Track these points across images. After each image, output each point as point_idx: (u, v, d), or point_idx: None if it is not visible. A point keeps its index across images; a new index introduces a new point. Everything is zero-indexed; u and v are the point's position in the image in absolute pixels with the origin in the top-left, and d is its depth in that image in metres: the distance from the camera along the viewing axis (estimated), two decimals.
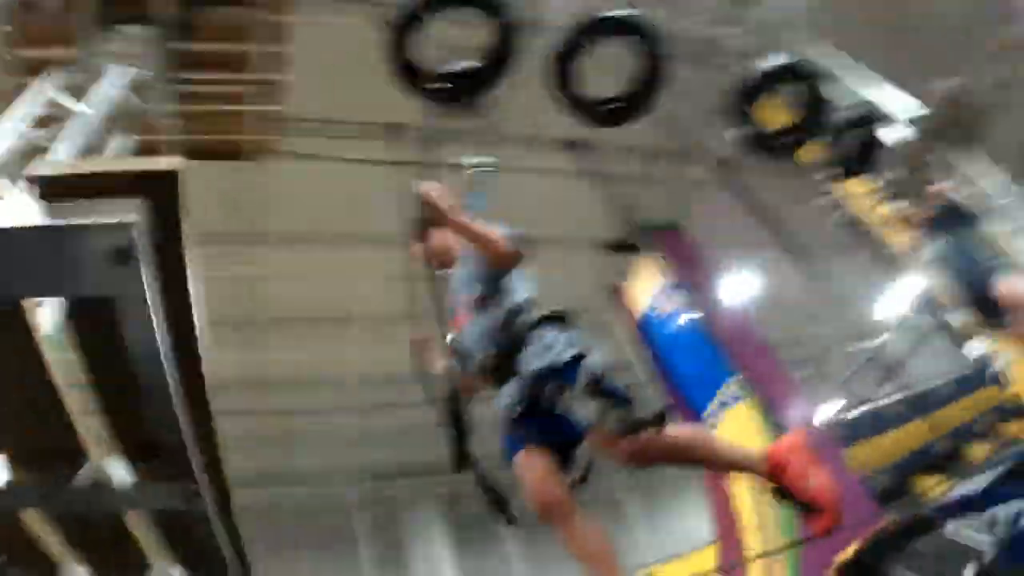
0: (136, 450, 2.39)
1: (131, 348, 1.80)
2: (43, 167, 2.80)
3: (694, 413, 9.30)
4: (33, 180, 2.20)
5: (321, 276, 10.95)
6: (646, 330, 10.39)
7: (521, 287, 3.30)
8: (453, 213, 3.21)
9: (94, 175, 2.17)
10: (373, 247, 10.01)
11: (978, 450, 11.35)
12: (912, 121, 8.06)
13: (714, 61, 8.40)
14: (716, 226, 11.87)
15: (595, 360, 2.96)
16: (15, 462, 2.21)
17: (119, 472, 2.36)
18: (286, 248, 10.30)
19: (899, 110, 8.39)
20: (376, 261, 10.11)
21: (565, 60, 6.27)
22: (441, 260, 3.50)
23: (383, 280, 10.76)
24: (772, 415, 8.51)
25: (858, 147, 7.88)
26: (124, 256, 1.50)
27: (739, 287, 11.69)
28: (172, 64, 4.79)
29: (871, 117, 8.00)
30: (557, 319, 3.17)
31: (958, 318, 7.18)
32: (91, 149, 3.65)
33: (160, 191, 2.13)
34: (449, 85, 6.19)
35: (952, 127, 8.12)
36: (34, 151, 3.63)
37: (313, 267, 10.83)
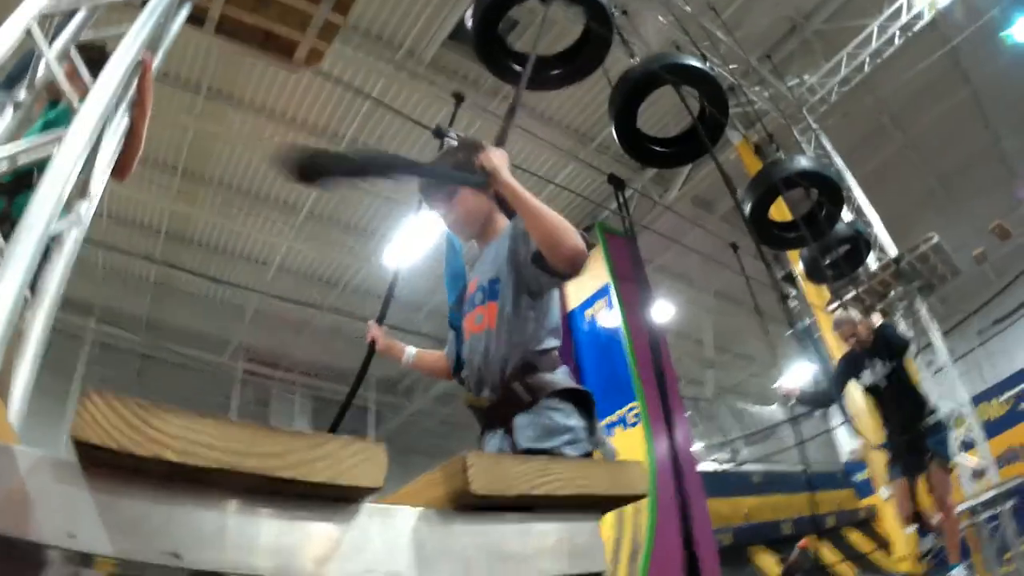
0: None
1: None
2: None
3: None
4: None
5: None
6: (572, 325, 10.48)
7: (556, 314, 2.37)
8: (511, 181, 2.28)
9: None
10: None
11: (820, 545, 12.11)
12: (894, 259, 8.81)
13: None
14: (668, 252, 12.34)
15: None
16: None
17: None
18: (256, 118, 10.08)
19: (885, 242, 9.19)
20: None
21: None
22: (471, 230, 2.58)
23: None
24: (655, 447, 8.72)
25: (841, 259, 8.47)
26: None
27: (665, 314, 12.04)
28: None
29: (860, 239, 8.59)
30: (577, 398, 2.23)
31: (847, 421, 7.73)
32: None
33: None
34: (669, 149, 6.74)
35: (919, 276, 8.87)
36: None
37: (273, 150, 10.57)
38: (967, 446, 9.29)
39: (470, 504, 1.20)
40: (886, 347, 6.07)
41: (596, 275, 10.30)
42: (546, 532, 1.30)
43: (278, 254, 12.39)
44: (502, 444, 2.16)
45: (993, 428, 11.75)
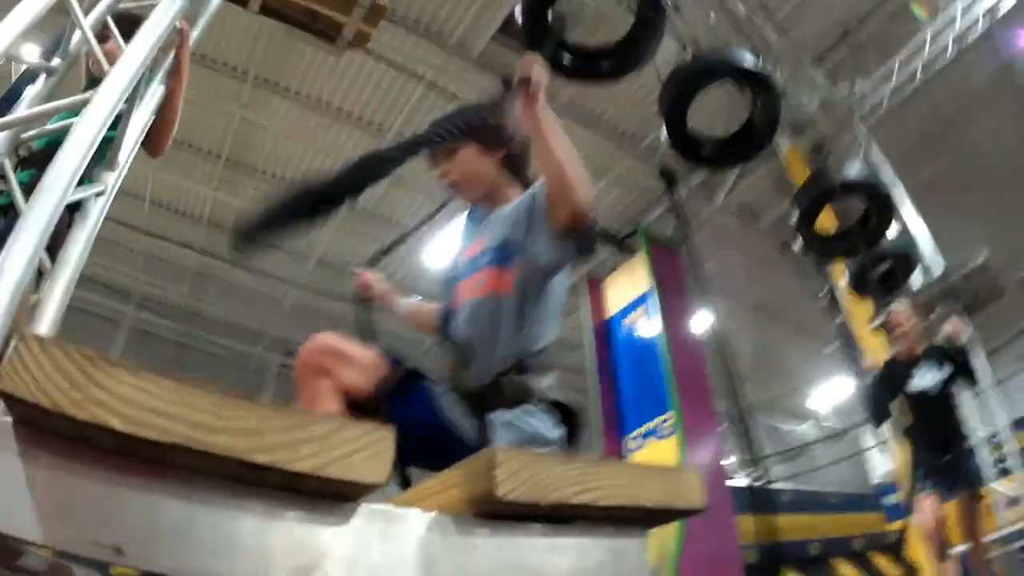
0: None
1: None
2: None
3: (617, 429, 9.46)
4: None
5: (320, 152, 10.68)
6: (609, 332, 10.34)
7: (560, 302, 2.19)
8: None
9: None
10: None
11: (845, 568, 11.79)
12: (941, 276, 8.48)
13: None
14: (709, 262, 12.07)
15: None
16: None
17: None
18: (302, 108, 10.00)
19: (932, 260, 8.84)
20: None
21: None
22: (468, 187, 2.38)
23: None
24: (688, 459, 8.50)
25: (886, 273, 8.18)
26: None
27: (706, 326, 11.80)
28: None
29: (909, 254, 8.29)
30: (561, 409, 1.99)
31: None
32: None
33: None
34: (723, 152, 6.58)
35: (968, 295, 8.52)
36: None
37: (317, 141, 10.55)
38: (1004, 472, 8.92)
39: (494, 512, 0.98)
40: (939, 351, 5.77)
41: (637, 282, 10.15)
42: (586, 550, 1.06)
43: (318, 248, 12.30)
44: None
45: None
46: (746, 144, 6.43)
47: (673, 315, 9.70)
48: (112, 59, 3.39)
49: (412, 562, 0.88)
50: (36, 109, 2.58)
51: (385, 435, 0.88)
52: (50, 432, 0.72)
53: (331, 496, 0.85)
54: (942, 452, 5.63)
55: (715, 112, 8.94)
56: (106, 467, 0.73)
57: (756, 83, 6.26)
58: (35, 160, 3.03)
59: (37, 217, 2.17)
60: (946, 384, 5.69)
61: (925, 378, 5.72)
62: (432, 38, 9.19)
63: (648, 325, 9.78)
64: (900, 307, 6.20)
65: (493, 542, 0.97)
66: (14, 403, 0.70)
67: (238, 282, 13.33)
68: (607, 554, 1.09)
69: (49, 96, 3.20)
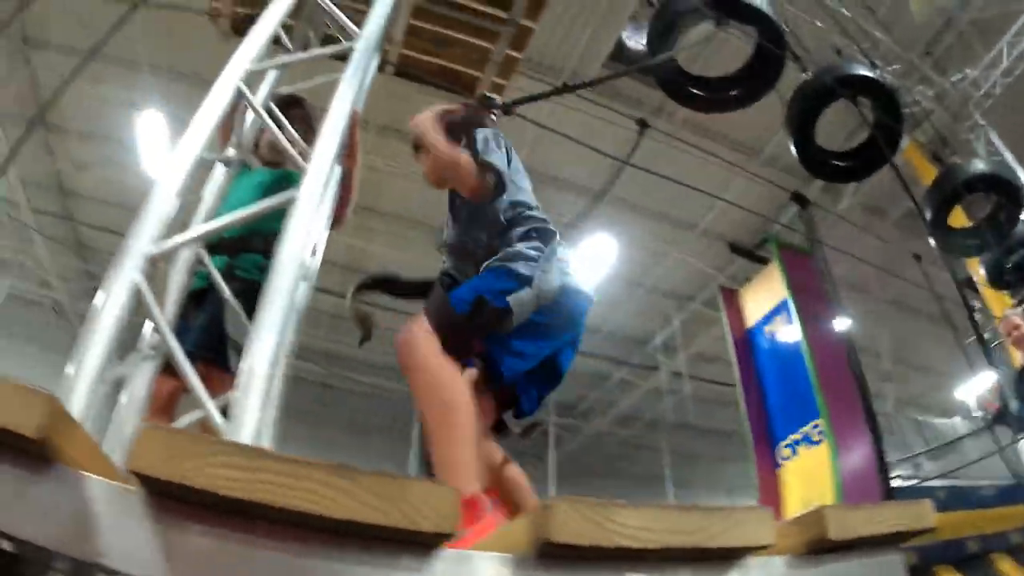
0: None
1: None
2: None
3: (770, 440, 9.39)
4: None
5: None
6: (750, 344, 10.30)
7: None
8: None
9: None
10: None
11: (1003, 563, 11.31)
12: None
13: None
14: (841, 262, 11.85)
15: None
16: None
17: None
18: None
19: None
20: None
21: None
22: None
23: None
24: (841, 463, 8.45)
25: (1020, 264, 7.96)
26: None
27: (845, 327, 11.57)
28: None
29: None
30: None
31: None
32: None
33: None
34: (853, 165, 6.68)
35: None
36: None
37: None
38: None
39: (554, 554, 1.13)
40: None
41: (772, 290, 10.09)
42: None
43: None
44: None
45: None
46: (874, 155, 6.40)
47: (812, 320, 9.62)
48: (269, 143, 3.65)
49: None
50: (251, 210, 2.78)
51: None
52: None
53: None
54: None
55: (839, 123, 8.86)
56: None
57: (879, 93, 6.24)
58: (225, 247, 3.26)
59: (272, 319, 2.33)
60: None
61: None
62: (545, 72, 9.36)
63: (788, 332, 9.72)
64: (1013, 312, 6.04)
65: None
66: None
67: (376, 321, 13.74)
68: None
69: (227, 185, 3.46)
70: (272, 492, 1.01)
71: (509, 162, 2.95)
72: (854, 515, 1.34)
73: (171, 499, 1.05)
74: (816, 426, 8.84)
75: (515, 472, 2.75)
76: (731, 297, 10.83)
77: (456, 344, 2.43)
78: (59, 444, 1.08)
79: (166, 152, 10.49)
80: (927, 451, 16.11)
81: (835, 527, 1.26)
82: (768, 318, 10.08)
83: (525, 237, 2.75)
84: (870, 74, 6.34)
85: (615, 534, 1.10)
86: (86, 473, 1.09)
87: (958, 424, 17.58)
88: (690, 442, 16.34)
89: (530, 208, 2.89)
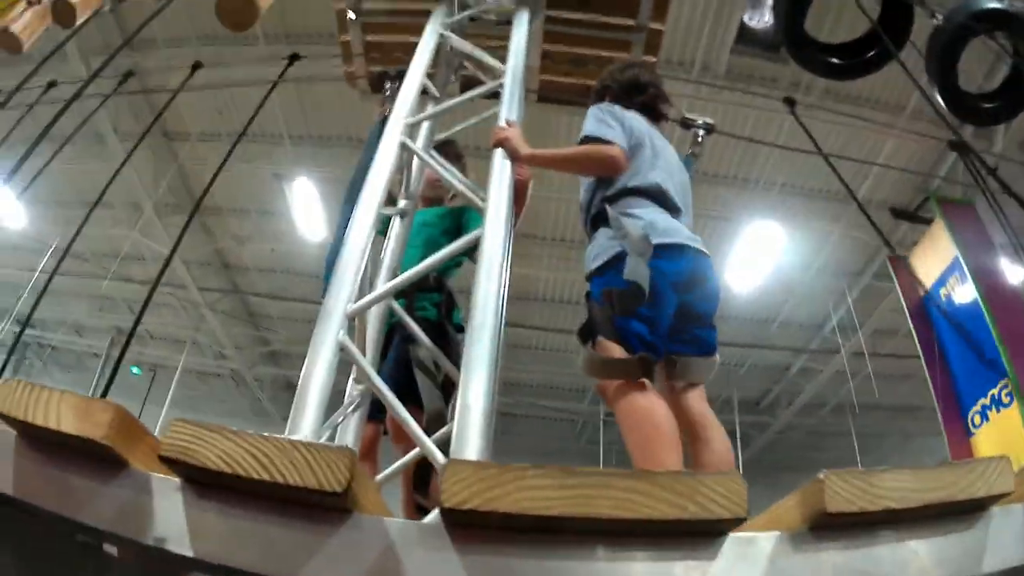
0: None
1: None
2: None
3: (959, 408, 9.02)
4: None
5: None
6: (926, 310, 9.88)
7: None
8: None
9: None
10: None
11: None
12: None
13: None
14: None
15: None
16: None
17: None
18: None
19: None
20: None
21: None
22: None
23: None
24: None
25: None
26: None
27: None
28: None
29: None
30: None
31: None
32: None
33: None
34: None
35: None
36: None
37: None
38: None
39: (827, 524, 1.28)
40: None
41: (941, 251, 9.70)
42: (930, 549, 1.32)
43: None
44: None
45: None
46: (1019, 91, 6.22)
47: (987, 275, 9.20)
48: (427, 181, 4.01)
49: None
50: (441, 254, 3.12)
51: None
52: None
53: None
54: None
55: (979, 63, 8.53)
56: None
57: (1016, 25, 6.06)
58: (402, 290, 3.43)
59: (481, 354, 2.45)
60: None
61: None
62: (676, 69, 9.46)
63: (964, 291, 9.29)
64: None
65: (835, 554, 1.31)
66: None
67: (547, 345, 14.07)
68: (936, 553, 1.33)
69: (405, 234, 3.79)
70: (582, 504, 1.19)
71: None
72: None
73: (472, 528, 1.24)
74: (1005, 386, 8.40)
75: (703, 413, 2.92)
76: (900, 265, 10.41)
77: (628, 336, 2.72)
78: (357, 495, 1.28)
79: (319, 214, 11.30)
80: None
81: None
82: (942, 280, 9.66)
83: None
84: (1002, 6, 6.16)
85: (880, 497, 1.27)
86: (381, 517, 1.30)
87: None
88: (876, 422, 15.79)
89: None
